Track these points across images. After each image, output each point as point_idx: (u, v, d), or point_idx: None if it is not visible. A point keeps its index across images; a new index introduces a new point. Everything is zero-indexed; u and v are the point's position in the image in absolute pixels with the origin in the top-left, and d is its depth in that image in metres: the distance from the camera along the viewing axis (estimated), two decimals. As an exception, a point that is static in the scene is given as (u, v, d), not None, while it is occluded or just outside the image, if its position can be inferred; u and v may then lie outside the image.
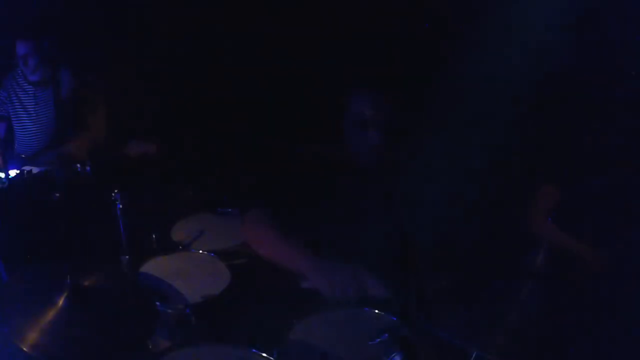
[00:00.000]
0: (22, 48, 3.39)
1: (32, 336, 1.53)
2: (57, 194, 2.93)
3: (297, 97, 3.76)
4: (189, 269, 2.39)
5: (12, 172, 3.08)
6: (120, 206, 2.39)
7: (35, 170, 3.13)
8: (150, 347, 2.08)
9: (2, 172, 3.06)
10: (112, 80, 4.03)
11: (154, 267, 2.40)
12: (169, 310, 2.12)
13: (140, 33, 4.03)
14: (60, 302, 1.61)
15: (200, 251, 2.52)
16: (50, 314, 1.59)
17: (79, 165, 3.02)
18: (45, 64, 3.52)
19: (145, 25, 4.02)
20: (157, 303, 2.04)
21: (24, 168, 3.20)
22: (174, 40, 4.01)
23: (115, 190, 2.38)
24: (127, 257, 2.40)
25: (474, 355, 1.40)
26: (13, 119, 3.63)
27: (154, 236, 2.68)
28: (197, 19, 3.95)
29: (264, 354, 1.77)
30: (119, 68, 4.05)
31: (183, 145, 3.97)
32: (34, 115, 3.61)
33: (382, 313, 1.92)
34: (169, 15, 4.00)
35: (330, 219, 1.93)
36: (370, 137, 1.92)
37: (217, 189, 3.50)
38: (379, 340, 1.54)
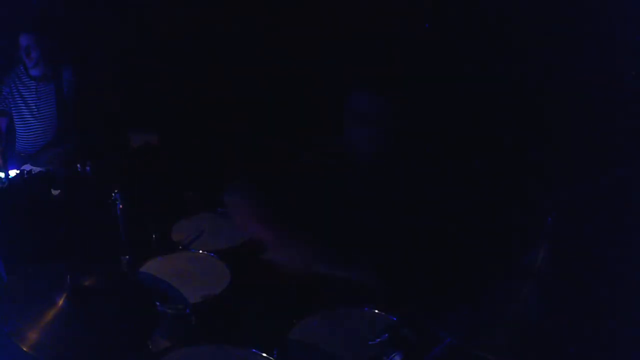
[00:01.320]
0: (25, 40, 3.44)
1: (32, 336, 1.53)
2: (57, 191, 2.93)
3: (297, 97, 3.76)
4: (189, 269, 2.39)
5: (12, 172, 3.08)
6: (120, 206, 2.39)
7: (35, 170, 3.14)
8: (150, 347, 2.08)
9: (2, 171, 3.06)
10: (112, 79, 4.04)
11: (154, 267, 2.40)
12: (169, 310, 2.12)
13: (141, 33, 4.03)
14: (60, 302, 1.61)
15: (200, 251, 2.52)
16: (50, 314, 1.59)
17: (79, 165, 3.03)
18: (47, 58, 3.55)
19: (145, 25, 4.03)
20: (157, 303, 2.04)
21: (23, 168, 3.20)
22: (174, 40, 4.01)
23: (115, 190, 2.38)
24: (127, 257, 2.40)
25: (447, 342, 1.40)
26: (15, 114, 3.65)
27: (154, 236, 2.68)
28: (197, 19, 3.95)
29: (264, 354, 1.77)
30: (119, 67, 4.05)
31: (183, 145, 3.97)
32: (36, 110, 3.63)
33: (382, 313, 1.92)
34: (169, 15, 4.00)
35: (329, 213, 1.93)
36: (369, 133, 1.90)
37: (217, 189, 3.50)
38: (379, 340, 1.54)
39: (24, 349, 1.50)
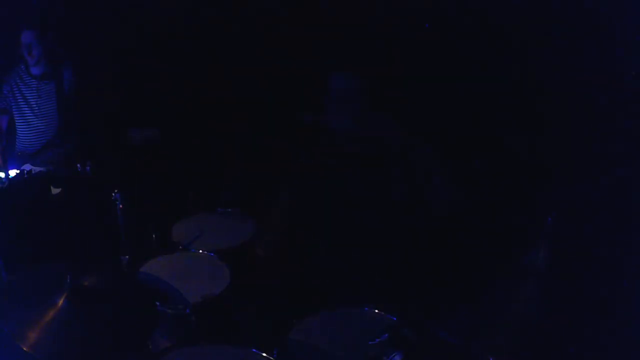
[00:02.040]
0: (27, 37, 3.45)
1: (32, 336, 1.53)
2: (57, 191, 2.93)
3: (297, 97, 3.76)
4: (189, 269, 2.39)
5: (12, 172, 3.08)
6: (120, 206, 2.39)
7: (35, 170, 3.13)
8: (150, 347, 2.08)
9: (2, 171, 3.06)
10: (112, 79, 4.04)
11: (154, 267, 2.40)
12: (169, 310, 2.12)
13: (141, 33, 4.03)
14: (60, 302, 1.61)
15: (200, 251, 2.52)
16: (50, 314, 1.59)
17: (79, 165, 3.03)
18: (48, 56, 3.56)
19: (145, 25, 4.03)
20: (157, 303, 2.04)
21: (23, 168, 3.20)
22: (174, 40, 4.01)
23: (115, 190, 2.38)
24: (127, 257, 2.40)
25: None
26: (16, 113, 3.65)
27: (154, 236, 2.68)
28: (197, 19, 3.95)
29: (264, 354, 1.77)
30: (119, 67, 4.05)
31: (183, 145, 3.97)
32: (37, 108, 3.64)
33: (382, 313, 1.92)
34: (169, 15, 4.00)
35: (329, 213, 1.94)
36: (349, 110, 1.90)
37: (217, 189, 3.51)
38: (379, 340, 1.54)
39: (24, 349, 1.50)
